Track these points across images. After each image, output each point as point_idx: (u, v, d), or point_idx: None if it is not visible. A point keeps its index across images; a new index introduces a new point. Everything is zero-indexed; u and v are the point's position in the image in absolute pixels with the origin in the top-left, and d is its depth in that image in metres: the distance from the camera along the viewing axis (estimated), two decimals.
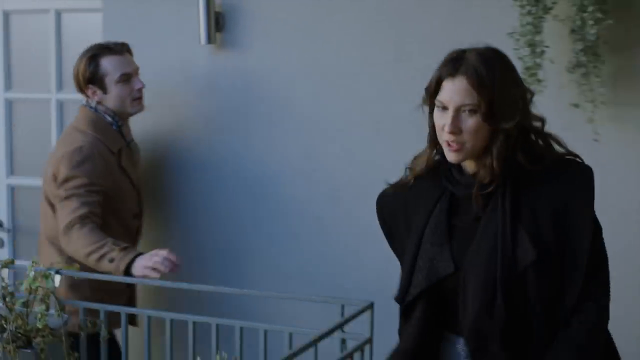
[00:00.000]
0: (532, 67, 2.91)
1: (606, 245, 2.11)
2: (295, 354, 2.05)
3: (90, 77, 3.30)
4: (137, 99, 3.39)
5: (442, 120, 2.05)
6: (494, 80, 2.00)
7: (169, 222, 3.82)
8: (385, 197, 2.31)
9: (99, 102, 3.34)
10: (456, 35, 3.20)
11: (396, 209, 2.26)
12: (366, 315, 2.44)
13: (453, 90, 2.02)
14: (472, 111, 2.01)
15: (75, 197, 3.13)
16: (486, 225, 2.05)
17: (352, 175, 3.49)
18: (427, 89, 2.10)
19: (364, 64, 3.45)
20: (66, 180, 3.18)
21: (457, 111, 2.02)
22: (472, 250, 2.05)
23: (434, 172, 2.18)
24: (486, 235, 2.03)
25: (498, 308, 1.97)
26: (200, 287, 2.86)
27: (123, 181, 3.36)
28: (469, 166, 2.12)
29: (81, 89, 3.36)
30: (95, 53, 3.32)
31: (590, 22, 2.87)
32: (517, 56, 2.89)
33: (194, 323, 2.67)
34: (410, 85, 3.28)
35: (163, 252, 2.95)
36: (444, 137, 2.05)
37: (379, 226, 2.35)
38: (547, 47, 2.93)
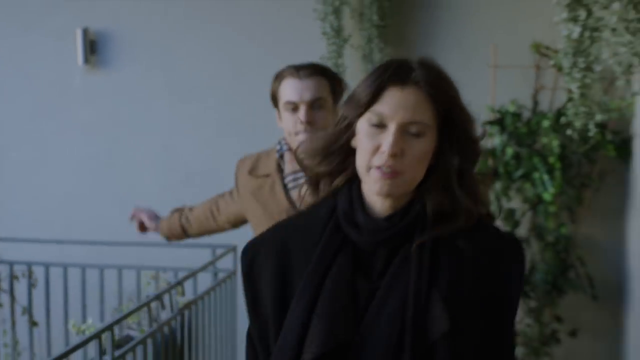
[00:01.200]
0: None
1: None
2: (179, 283, 3.07)
3: (272, 98, 2.77)
4: (299, 133, 2.70)
5: (376, 139, 1.54)
6: (455, 97, 1.58)
7: None
8: (256, 245, 1.69)
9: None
10: (279, 58, 4.32)
11: (270, 257, 1.65)
12: (232, 254, 3.53)
13: (400, 103, 1.53)
14: (420, 133, 1.53)
15: None
16: (392, 284, 1.54)
17: (201, 163, 4.52)
18: (353, 98, 1.59)
19: (209, 79, 4.50)
20: None
21: (401, 129, 1.52)
22: (371, 314, 1.54)
23: (325, 209, 1.63)
24: (392, 297, 1.53)
25: None
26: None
27: (264, 207, 2.76)
28: (383, 206, 1.58)
29: None
30: (278, 73, 2.77)
31: (376, 50, 4.07)
32: None
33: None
34: (246, 96, 4.42)
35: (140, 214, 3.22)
36: (376, 161, 1.53)
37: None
38: (347, 68, 4.09)
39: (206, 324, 3.14)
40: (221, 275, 3.46)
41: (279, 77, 2.72)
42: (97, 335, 2.30)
